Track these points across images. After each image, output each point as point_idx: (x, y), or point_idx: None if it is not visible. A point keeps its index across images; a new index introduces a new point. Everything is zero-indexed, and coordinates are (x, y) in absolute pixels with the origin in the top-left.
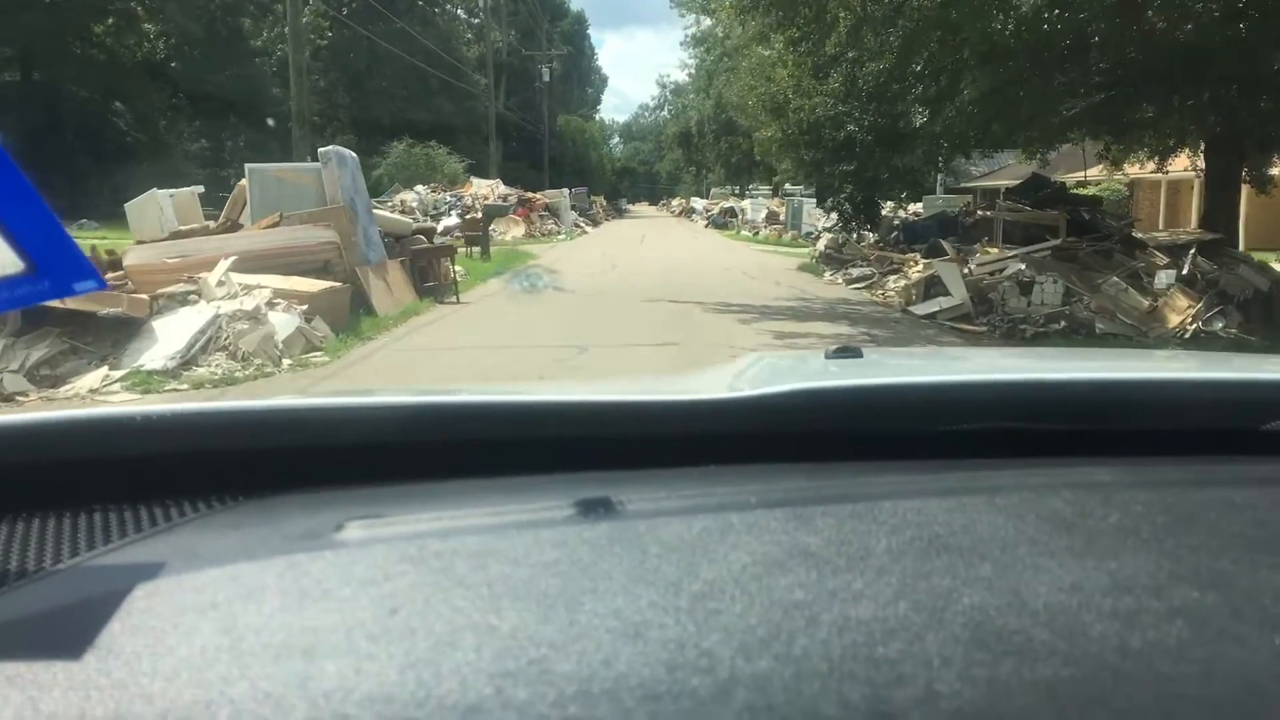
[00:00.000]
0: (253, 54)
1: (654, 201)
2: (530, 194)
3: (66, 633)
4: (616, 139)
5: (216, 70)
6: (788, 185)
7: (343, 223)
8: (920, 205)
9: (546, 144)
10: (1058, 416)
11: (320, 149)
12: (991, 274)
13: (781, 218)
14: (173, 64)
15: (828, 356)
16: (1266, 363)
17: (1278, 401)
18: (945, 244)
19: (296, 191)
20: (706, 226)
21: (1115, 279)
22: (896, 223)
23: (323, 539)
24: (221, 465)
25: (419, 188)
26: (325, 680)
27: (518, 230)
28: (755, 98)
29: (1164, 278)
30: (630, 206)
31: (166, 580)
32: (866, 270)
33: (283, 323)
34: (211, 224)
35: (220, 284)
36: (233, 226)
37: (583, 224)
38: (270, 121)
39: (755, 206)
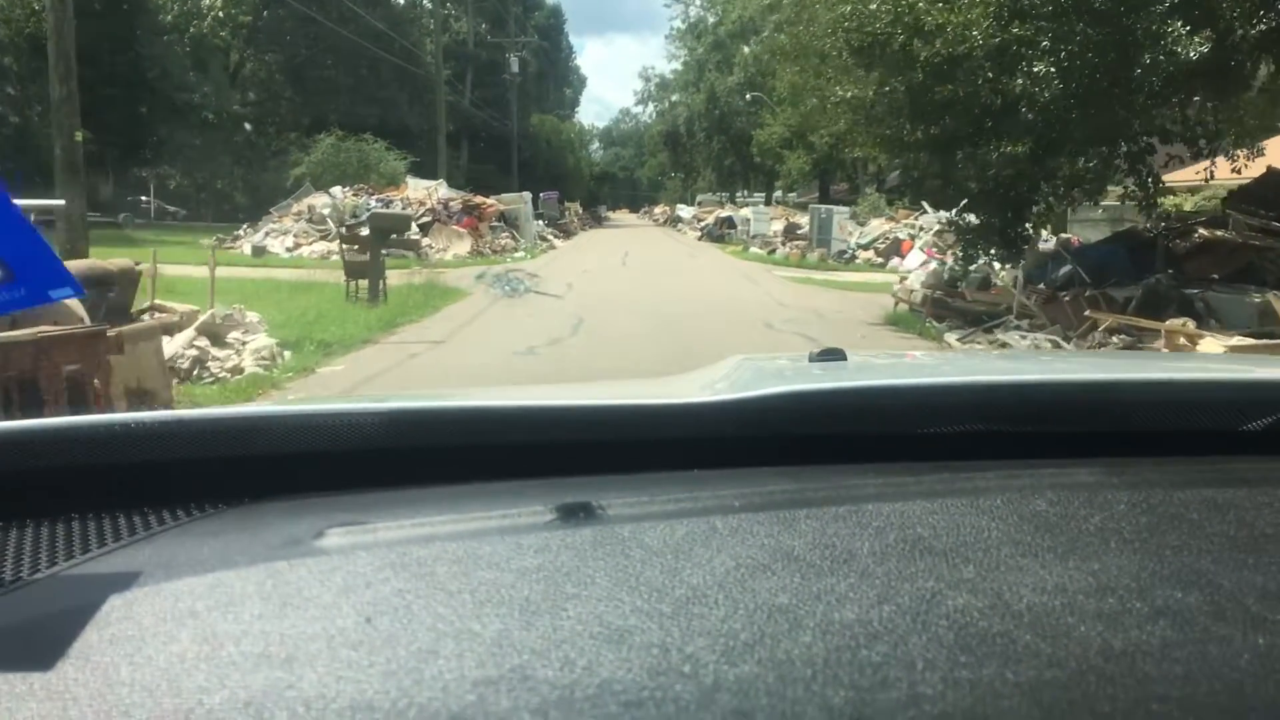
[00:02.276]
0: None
1: (635, 209)
2: (480, 199)
3: (44, 643)
4: (596, 144)
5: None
6: (778, 194)
7: None
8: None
9: (515, 142)
10: (1041, 418)
11: None
12: None
13: (803, 230)
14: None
15: (812, 359)
16: (1248, 364)
17: (1258, 402)
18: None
19: None
20: (700, 239)
21: None
22: (1054, 248)
23: (303, 546)
24: (201, 473)
25: (335, 190)
26: (305, 689)
27: (462, 246)
28: (842, 33)
29: None
30: (610, 214)
31: (145, 589)
32: (1035, 334)
33: None
34: None
35: None
36: None
37: (551, 236)
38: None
39: (758, 215)
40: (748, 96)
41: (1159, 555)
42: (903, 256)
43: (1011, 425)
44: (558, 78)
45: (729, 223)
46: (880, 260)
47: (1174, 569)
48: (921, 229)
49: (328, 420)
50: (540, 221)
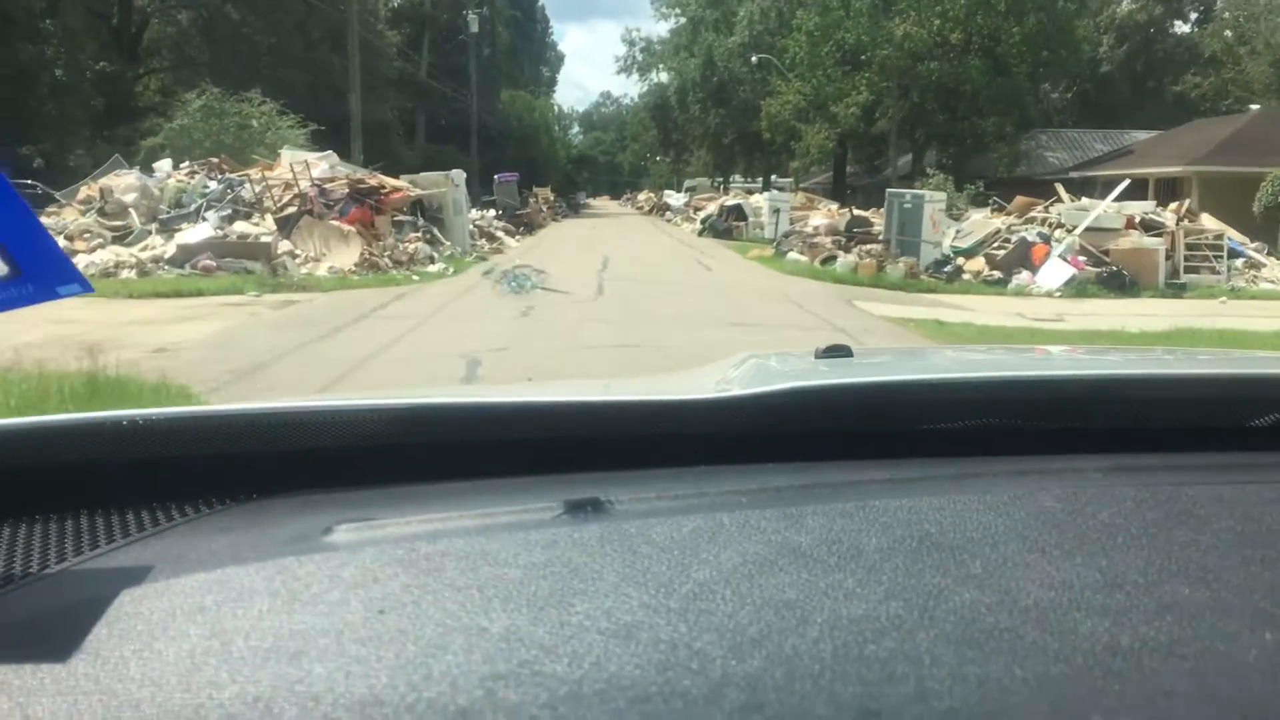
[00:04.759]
0: None
1: (616, 195)
2: (382, 180)
3: (55, 637)
4: (576, 128)
5: None
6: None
7: None
8: None
9: (474, 115)
10: (1049, 413)
11: None
12: None
13: (877, 229)
14: None
15: (817, 355)
16: (1254, 359)
17: (1266, 398)
18: None
19: None
20: (701, 234)
21: None
22: None
23: (311, 542)
24: (210, 469)
25: (161, 166)
26: (314, 683)
27: (347, 253)
28: None
29: None
30: (589, 201)
31: (155, 584)
32: None
33: None
34: None
35: None
36: None
37: (502, 233)
38: None
39: (776, 202)
40: (753, 59)
41: (1166, 551)
42: (1035, 268)
43: (1019, 420)
44: (533, 54)
45: (738, 213)
46: (997, 275)
47: (1181, 565)
48: (1059, 225)
49: (336, 417)
50: (492, 212)
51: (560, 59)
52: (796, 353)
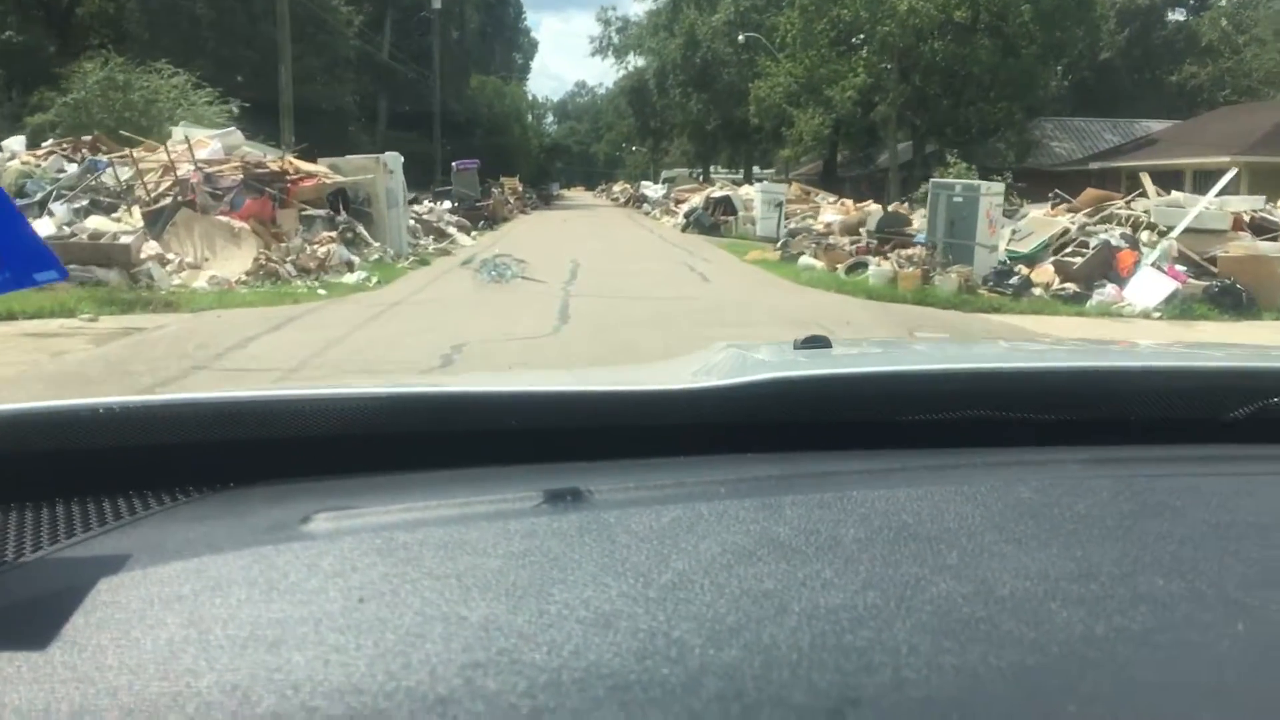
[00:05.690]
0: None
1: (591, 186)
2: (290, 164)
3: (32, 626)
4: (550, 118)
5: None
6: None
7: None
8: None
9: (437, 95)
10: (1026, 405)
11: None
12: None
13: (913, 227)
14: None
15: (796, 347)
16: (1231, 349)
17: (1241, 390)
18: None
19: None
20: (685, 230)
21: None
22: None
23: (289, 531)
24: (188, 457)
25: (10, 143)
26: (293, 672)
27: (237, 258)
28: None
29: None
30: (563, 192)
31: (132, 573)
32: None
33: None
34: None
35: None
36: None
37: (455, 231)
38: None
39: (768, 195)
40: (740, 39)
41: (1141, 542)
42: (1120, 280)
43: (997, 411)
44: (505, 39)
45: (726, 206)
46: (1071, 288)
47: (1156, 556)
48: (1145, 225)
49: (314, 405)
50: (446, 205)
51: (534, 46)
52: (776, 343)
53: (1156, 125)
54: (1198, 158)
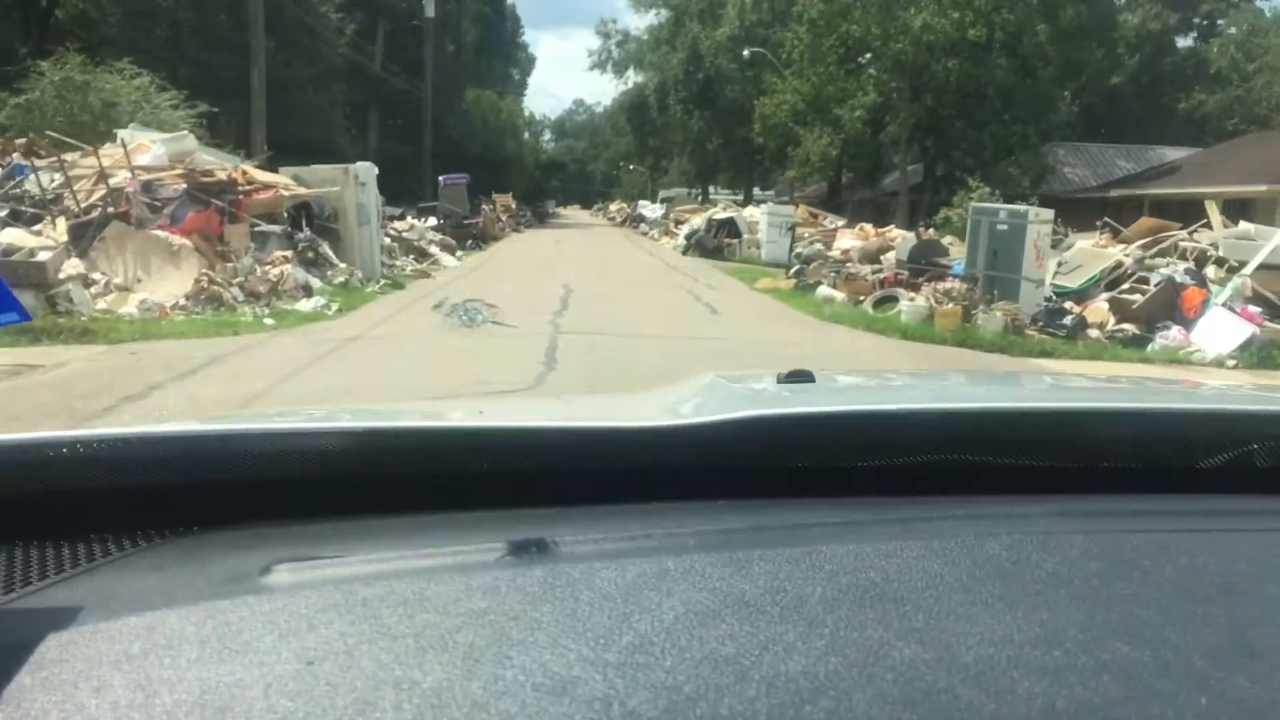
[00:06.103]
0: None
1: (587, 205)
2: (241, 172)
3: None
4: (547, 135)
5: None
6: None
7: None
8: None
9: (428, 105)
10: (999, 449)
11: None
12: None
13: (946, 258)
14: None
15: (780, 380)
16: (1213, 394)
17: (1215, 438)
18: None
19: None
20: (686, 253)
21: None
22: None
23: (247, 583)
24: (144, 499)
25: None
26: None
27: (176, 280)
28: None
29: None
30: (559, 210)
31: (82, 628)
32: None
33: None
34: None
35: None
36: None
37: (437, 250)
38: None
39: (776, 218)
40: (745, 54)
41: (1108, 605)
42: (1186, 321)
43: (970, 455)
44: (502, 53)
45: (730, 228)
46: (1130, 329)
47: (1122, 620)
48: (1210, 259)
49: (282, 443)
50: (430, 221)
51: (531, 61)
52: (759, 374)
53: (1170, 152)
54: (1230, 185)
